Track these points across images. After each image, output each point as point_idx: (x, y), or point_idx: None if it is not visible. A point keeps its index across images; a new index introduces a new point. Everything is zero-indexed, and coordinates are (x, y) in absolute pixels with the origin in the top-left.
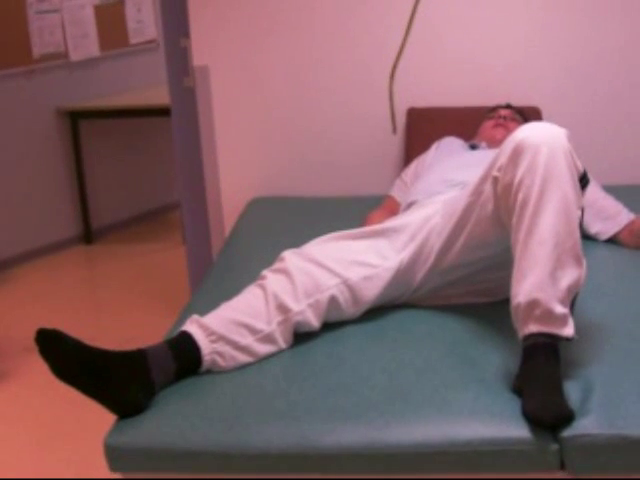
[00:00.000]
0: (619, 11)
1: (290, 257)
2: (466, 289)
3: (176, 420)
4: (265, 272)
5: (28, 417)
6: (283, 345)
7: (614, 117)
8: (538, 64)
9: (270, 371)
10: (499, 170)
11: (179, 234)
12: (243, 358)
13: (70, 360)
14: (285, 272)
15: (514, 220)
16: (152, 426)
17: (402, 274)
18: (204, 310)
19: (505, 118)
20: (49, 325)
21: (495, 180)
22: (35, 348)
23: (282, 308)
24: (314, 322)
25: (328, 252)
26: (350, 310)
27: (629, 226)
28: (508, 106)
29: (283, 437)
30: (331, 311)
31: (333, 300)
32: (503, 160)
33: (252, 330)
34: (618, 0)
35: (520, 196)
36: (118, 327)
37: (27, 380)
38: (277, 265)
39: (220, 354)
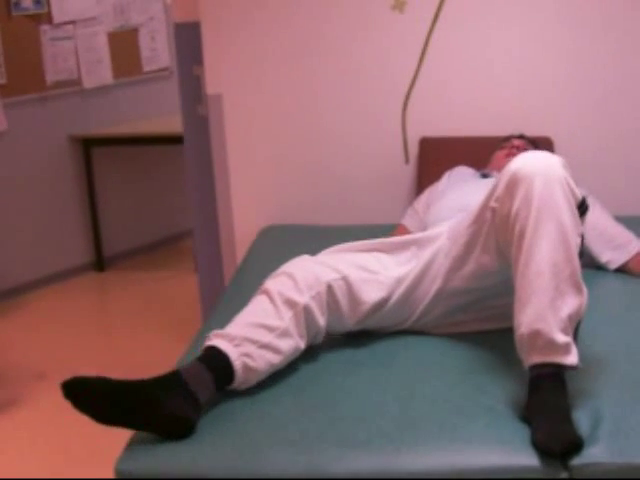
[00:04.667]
0: (635, 43)
1: (289, 262)
2: (475, 315)
3: (187, 447)
4: (264, 281)
5: (39, 444)
6: (299, 340)
7: (627, 147)
8: (551, 95)
9: (281, 399)
10: (496, 201)
11: (191, 262)
12: (270, 356)
13: (108, 404)
14: (285, 273)
15: (513, 251)
16: (163, 452)
17: (407, 294)
18: None
19: (518, 148)
20: (61, 352)
21: (493, 211)
22: (47, 376)
23: (290, 303)
24: (319, 318)
25: (329, 257)
26: (348, 310)
27: (639, 255)
28: (521, 136)
29: (294, 464)
30: (331, 308)
31: (330, 291)
32: (500, 191)
33: (269, 328)
34: (633, 31)
35: (517, 227)
36: (130, 354)
37: (38, 407)
38: (276, 272)
39: (248, 355)
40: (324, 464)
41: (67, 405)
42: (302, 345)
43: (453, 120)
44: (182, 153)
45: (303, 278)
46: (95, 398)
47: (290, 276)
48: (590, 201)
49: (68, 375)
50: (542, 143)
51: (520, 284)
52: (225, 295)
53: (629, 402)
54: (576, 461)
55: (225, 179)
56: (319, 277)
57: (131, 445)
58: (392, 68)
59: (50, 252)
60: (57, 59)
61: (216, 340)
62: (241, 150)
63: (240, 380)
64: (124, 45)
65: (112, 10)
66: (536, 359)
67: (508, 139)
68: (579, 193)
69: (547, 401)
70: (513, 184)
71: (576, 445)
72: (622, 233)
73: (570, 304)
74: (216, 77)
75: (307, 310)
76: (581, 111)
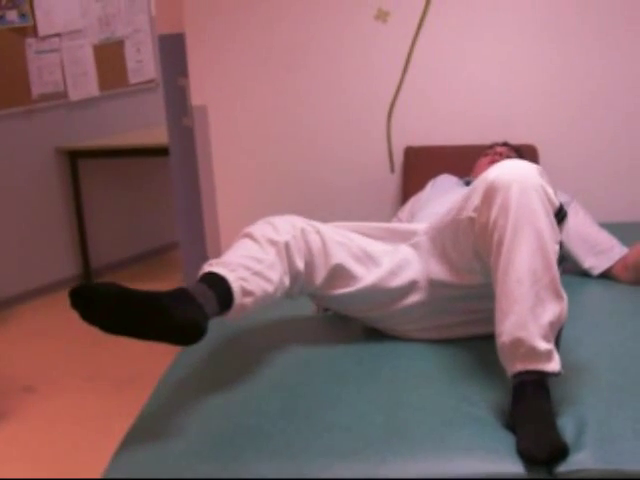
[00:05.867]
0: (619, 51)
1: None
2: (462, 318)
3: (173, 458)
4: (244, 228)
5: (27, 457)
6: (283, 275)
7: (611, 154)
8: (534, 103)
9: (267, 410)
10: (475, 211)
11: (179, 273)
12: (263, 284)
13: (116, 311)
14: (264, 221)
15: (492, 260)
16: (149, 464)
17: (383, 279)
18: (205, 347)
19: (501, 155)
20: (49, 365)
21: (471, 221)
22: (35, 389)
23: (272, 241)
24: (298, 260)
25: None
26: (319, 262)
27: (622, 260)
28: (505, 144)
29: (280, 475)
30: (305, 256)
31: (304, 236)
32: (477, 201)
33: (258, 260)
34: (617, 39)
35: (495, 237)
36: (117, 366)
37: (26, 420)
38: (256, 222)
39: (244, 279)
40: (310, 474)
41: (55, 418)
42: (287, 282)
43: (438, 129)
44: (169, 164)
45: (282, 226)
46: (103, 305)
47: (269, 222)
48: (574, 207)
49: (56, 389)
50: (526, 151)
51: (500, 292)
52: None
53: (613, 408)
54: (561, 468)
55: (211, 190)
56: (295, 224)
57: (117, 456)
58: (376, 78)
59: (37, 265)
60: (43, 72)
61: (212, 268)
62: (227, 161)
63: (238, 304)
64: (110, 57)
65: (97, 22)
66: (519, 367)
67: (492, 146)
68: (557, 200)
69: (531, 408)
70: (490, 193)
71: (561, 452)
72: (605, 239)
73: (550, 311)
74: (201, 88)
75: (287, 248)
76: (565, 119)
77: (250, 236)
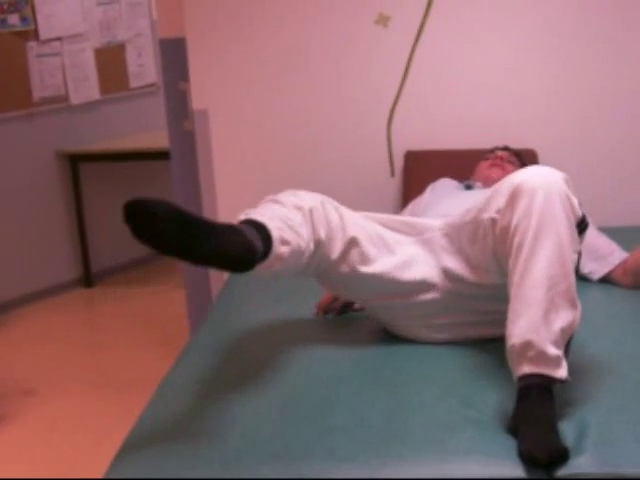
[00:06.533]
0: (618, 55)
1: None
2: (473, 318)
3: (173, 461)
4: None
5: (27, 459)
6: (310, 240)
7: (611, 158)
8: (534, 107)
9: (267, 413)
10: (497, 213)
11: (179, 277)
12: (297, 238)
13: (172, 228)
14: (287, 191)
15: (510, 263)
16: (149, 467)
17: (396, 268)
18: (205, 350)
19: (502, 159)
20: (49, 368)
21: (493, 222)
22: (35, 392)
23: (297, 207)
24: (320, 228)
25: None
26: (337, 233)
27: (622, 265)
28: (506, 148)
29: (280, 478)
30: (327, 225)
31: (324, 208)
32: (501, 203)
33: (289, 218)
34: (617, 44)
35: (516, 240)
36: (118, 369)
37: (26, 423)
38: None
39: (280, 229)
40: (310, 477)
41: (55, 421)
42: (312, 245)
43: (438, 133)
44: (169, 168)
45: (303, 195)
46: (159, 222)
47: (292, 193)
48: None
49: (56, 392)
50: (526, 155)
51: (515, 295)
52: (212, 310)
53: (614, 412)
54: (561, 471)
55: (212, 194)
56: (315, 198)
57: (117, 459)
58: (377, 82)
59: (38, 268)
60: (44, 75)
61: (248, 216)
62: (227, 165)
63: (275, 253)
64: (111, 61)
65: (98, 26)
66: (526, 369)
67: (492, 151)
68: (580, 210)
69: (534, 411)
70: (515, 196)
71: (562, 455)
72: (605, 244)
73: (564, 318)
74: (202, 92)
75: (312, 214)
76: (565, 123)
77: (275, 201)
